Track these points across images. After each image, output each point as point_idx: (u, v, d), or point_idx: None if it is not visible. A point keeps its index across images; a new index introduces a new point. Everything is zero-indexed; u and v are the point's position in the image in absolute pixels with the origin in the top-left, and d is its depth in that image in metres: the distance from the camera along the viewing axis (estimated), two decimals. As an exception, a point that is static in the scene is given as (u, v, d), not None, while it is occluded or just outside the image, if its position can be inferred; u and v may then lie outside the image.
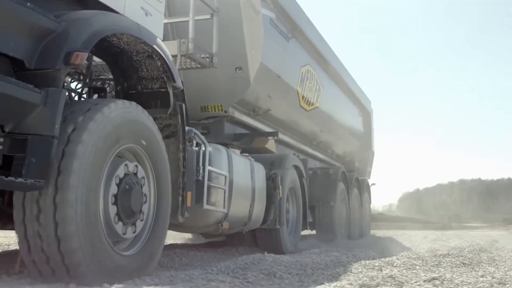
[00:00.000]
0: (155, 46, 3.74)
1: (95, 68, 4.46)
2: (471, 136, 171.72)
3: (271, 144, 7.38)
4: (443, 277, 3.75)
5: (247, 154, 6.39)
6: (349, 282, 3.50)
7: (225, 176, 5.32)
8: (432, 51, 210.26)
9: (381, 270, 4.44)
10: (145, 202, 3.60)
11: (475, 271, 4.73)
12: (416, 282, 3.50)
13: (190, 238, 10.01)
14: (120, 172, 3.33)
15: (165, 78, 3.95)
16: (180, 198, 4.24)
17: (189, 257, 5.69)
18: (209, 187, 4.89)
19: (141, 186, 3.55)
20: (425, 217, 45.53)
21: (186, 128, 4.48)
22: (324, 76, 9.39)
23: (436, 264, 5.33)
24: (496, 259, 6.27)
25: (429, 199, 68.95)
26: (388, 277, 3.67)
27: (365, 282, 3.43)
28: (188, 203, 4.41)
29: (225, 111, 6.51)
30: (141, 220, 3.57)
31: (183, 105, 4.22)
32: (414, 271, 4.44)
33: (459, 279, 3.77)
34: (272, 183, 6.65)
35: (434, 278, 3.70)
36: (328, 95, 9.80)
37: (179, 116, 4.22)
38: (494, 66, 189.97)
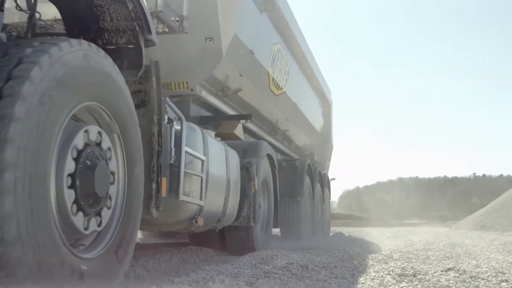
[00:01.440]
0: None
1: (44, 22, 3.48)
2: (409, 135, 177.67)
3: (239, 130, 6.55)
4: (457, 267, 4.22)
5: (219, 138, 5.49)
6: (376, 271, 3.93)
7: (202, 161, 4.38)
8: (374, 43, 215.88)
9: (387, 263, 4.70)
10: (112, 183, 2.68)
11: (463, 263, 5.07)
12: (435, 273, 3.90)
13: (139, 238, 8.98)
14: (79, 141, 2.40)
15: (137, 27, 3.03)
16: (154, 186, 3.35)
17: (161, 261, 4.67)
18: (185, 174, 3.97)
19: (107, 161, 2.64)
20: (365, 215, 46.53)
21: None
22: (292, 59, 8.61)
23: (426, 257, 5.75)
24: (470, 253, 6.92)
25: (369, 197, 70.41)
26: (404, 267, 4.05)
27: (393, 271, 3.85)
28: (163, 193, 3.52)
29: (191, 89, 5.56)
30: (108, 208, 2.66)
31: (158, 63, 3.35)
32: (428, 262, 5.02)
33: (469, 268, 4.31)
34: (246, 173, 5.80)
35: (450, 269, 4.12)
36: (295, 80, 9.02)
37: (153, 78, 3.32)
38: (436, 65, 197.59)
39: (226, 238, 6.12)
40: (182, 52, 5.33)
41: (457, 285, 3.45)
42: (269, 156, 6.71)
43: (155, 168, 3.34)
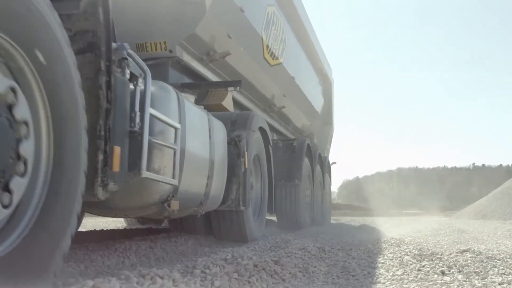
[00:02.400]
0: None
1: None
2: (409, 125, 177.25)
3: (228, 102, 5.66)
4: (472, 249, 4.35)
5: (202, 106, 4.61)
6: (392, 253, 4.10)
7: (176, 129, 3.39)
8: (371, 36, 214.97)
9: (399, 246, 4.71)
10: (26, 138, 1.87)
11: (474, 247, 5.06)
12: (450, 254, 4.03)
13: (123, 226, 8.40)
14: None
15: None
16: (101, 157, 2.46)
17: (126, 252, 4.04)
18: (151, 144, 3.05)
19: (11, 106, 1.81)
20: (365, 205, 46.35)
21: (115, 44, 2.81)
22: (288, 26, 7.72)
23: (437, 242, 5.79)
24: (478, 238, 7.12)
25: (368, 187, 69.97)
26: (421, 248, 4.23)
27: (411, 252, 4.04)
28: (115, 167, 2.58)
29: (170, 51, 4.74)
30: (22, 176, 1.85)
31: None
32: (439, 246, 5.12)
33: (481, 249, 4.49)
34: (234, 148, 4.95)
35: (465, 250, 4.25)
36: (292, 51, 8.08)
37: (100, 12, 2.51)
38: (435, 57, 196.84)
39: (213, 225, 5.35)
40: (158, 6, 4.58)
41: (475, 265, 3.55)
42: (262, 130, 5.85)
43: (102, 133, 2.47)
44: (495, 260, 3.77)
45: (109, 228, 7.52)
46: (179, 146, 3.44)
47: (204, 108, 4.59)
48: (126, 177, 2.84)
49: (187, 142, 3.66)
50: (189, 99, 4.16)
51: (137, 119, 2.89)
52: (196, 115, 4.06)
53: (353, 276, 3.20)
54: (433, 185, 72.79)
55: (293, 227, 7.83)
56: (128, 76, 2.99)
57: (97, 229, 6.81)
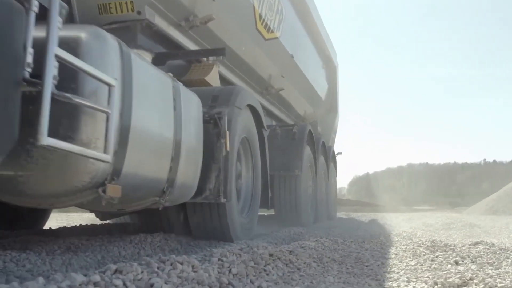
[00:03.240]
0: None
1: None
2: (419, 121, 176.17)
3: (214, 76, 4.86)
4: (484, 241, 4.37)
5: (171, 74, 3.59)
6: (405, 245, 4.16)
7: (110, 87, 2.47)
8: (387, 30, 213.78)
9: (412, 239, 4.76)
10: None
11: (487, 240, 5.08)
12: (463, 246, 4.12)
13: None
14: None
15: None
16: None
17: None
18: (55, 100, 2.06)
19: None
20: (375, 201, 46.26)
21: None
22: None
23: (449, 235, 5.98)
24: (490, 232, 7.21)
25: (378, 183, 69.63)
26: (433, 240, 4.25)
27: (424, 244, 4.06)
28: None
29: (138, 12, 3.97)
30: None
31: None
32: (451, 239, 5.24)
33: (493, 242, 4.49)
34: (214, 128, 4.11)
35: (477, 243, 4.28)
36: (291, 25, 7.16)
37: None
38: (444, 52, 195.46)
39: (190, 221, 4.48)
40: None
41: (488, 256, 3.59)
42: (252, 109, 4.93)
43: None
44: (508, 252, 3.79)
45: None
46: (115, 110, 2.52)
47: (185, 85, 3.78)
48: (17, 148, 2.13)
49: (134, 108, 2.74)
50: (142, 57, 3.21)
51: (29, 59, 2.00)
52: (152, 77, 3.12)
53: (367, 266, 3.23)
54: (444, 181, 72.42)
55: (293, 223, 6.97)
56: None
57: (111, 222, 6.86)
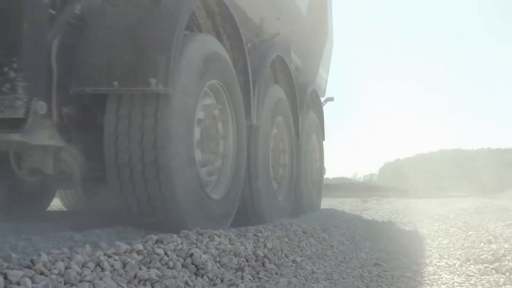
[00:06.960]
0: None
1: None
2: (451, 105, 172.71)
3: None
4: None
5: None
6: (437, 225, 4.41)
7: None
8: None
9: (444, 221, 4.95)
10: None
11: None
12: (496, 227, 4.13)
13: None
14: None
15: None
16: None
17: None
18: None
19: None
20: (407, 187, 45.74)
21: None
22: None
23: (481, 218, 5.73)
24: None
25: (409, 169, 68.92)
26: (466, 221, 4.59)
27: (456, 224, 4.29)
28: None
29: None
30: None
31: None
32: (484, 222, 5.01)
33: None
34: None
35: (511, 224, 4.32)
36: None
37: None
38: (483, 31, 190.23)
39: None
40: None
41: None
42: None
43: None
44: (544, 233, 3.75)
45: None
46: None
47: None
48: None
49: None
50: None
51: None
52: None
53: (399, 244, 3.27)
54: (477, 167, 71.16)
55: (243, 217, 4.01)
56: None
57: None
